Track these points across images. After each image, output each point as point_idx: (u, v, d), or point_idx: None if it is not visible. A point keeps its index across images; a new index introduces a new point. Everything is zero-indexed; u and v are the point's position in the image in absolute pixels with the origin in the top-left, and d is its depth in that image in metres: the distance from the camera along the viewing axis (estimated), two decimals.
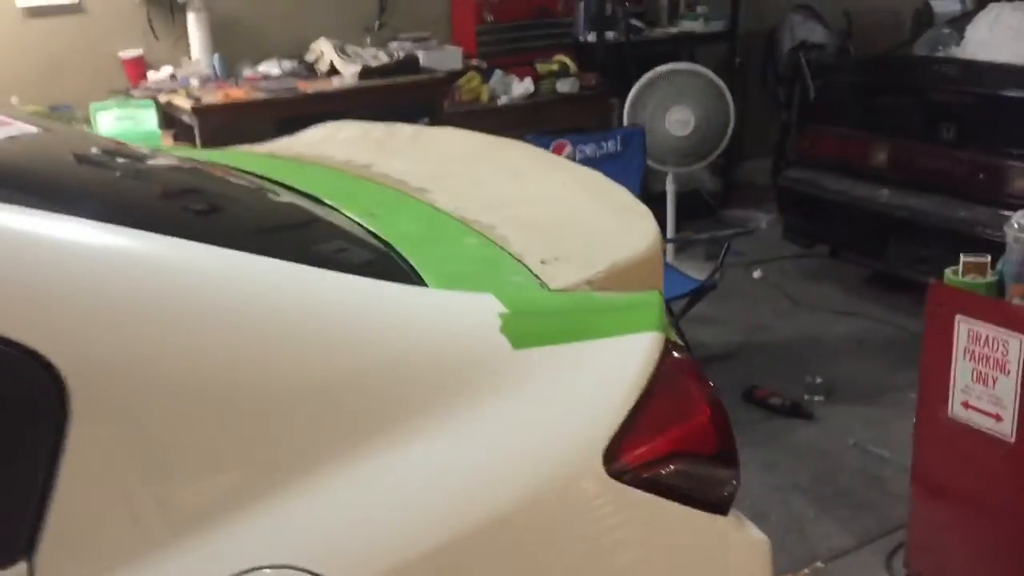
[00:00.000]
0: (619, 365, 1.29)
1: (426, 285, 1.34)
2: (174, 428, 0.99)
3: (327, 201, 1.70)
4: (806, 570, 2.88)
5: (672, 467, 1.29)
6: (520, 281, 1.40)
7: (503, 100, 5.02)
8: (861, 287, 4.87)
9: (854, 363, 4.16)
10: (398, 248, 1.47)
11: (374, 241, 1.50)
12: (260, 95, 4.36)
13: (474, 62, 5.15)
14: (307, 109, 4.21)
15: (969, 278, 2.37)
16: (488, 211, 1.65)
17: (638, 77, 4.71)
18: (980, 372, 2.36)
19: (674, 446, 1.30)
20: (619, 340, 1.33)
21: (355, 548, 1.05)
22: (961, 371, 2.40)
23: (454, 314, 1.25)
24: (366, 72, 4.53)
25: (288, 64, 4.70)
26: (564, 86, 5.10)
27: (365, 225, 1.59)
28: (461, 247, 1.52)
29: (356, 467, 1.08)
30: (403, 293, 1.26)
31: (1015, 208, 3.77)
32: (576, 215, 1.62)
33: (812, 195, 4.51)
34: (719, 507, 1.35)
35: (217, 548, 0.99)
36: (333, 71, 4.65)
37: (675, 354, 1.37)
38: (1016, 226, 2.23)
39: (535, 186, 1.77)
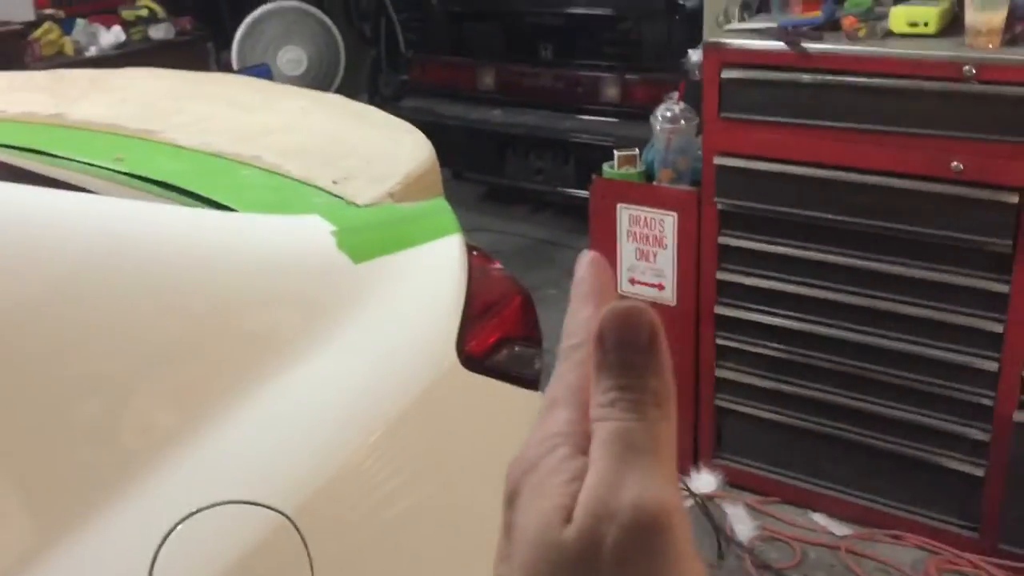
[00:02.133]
0: (443, 267, 1.37)
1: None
2: (94, 377, 0.91)
3: (56, 152, 1.54)
4: None
5: (502, 351, 1.40)
6: (325, 202, 1.40)
7: (91, 52, 4.61)
8: (482, 204, 5.24)
9: None
10: (180, 186, 1.39)
11: (152, 185, 1.40)
12: None
13: (49, 11, 4.66)
14: None
15: (623, 170, 2.72)
16: (241, 144, 1.60)
17: (233, 19, 4.60)
18: (642, 250, 2.73)
19: (501, 332, 1.41)
20: (434, 245, 1.40)
21: (281, 473, 1.03)
22: (626, 252, 2.76)
23: (295, 236, 1.23)
24: None
25: None
26: (158, 32, 4.81)
27: (120, 170, 1.47)
28: (242, 178, 1.47)
29: (259, 395, 1.06)
30: (242, 221, 1.22)
31: (614, 115, 4.32)
32: (339, 136, 1.63)
33: (430, 122, 4.71)
34: (534, 383, 1.50)
35: (157, 495, 0.93)
36: None
37: (475, 253, 1.48)
38: (660, 118, 2.58)
39: (275, 115, 1.73)
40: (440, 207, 1.49)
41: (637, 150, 2.73)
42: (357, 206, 1.39)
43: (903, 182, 2.30)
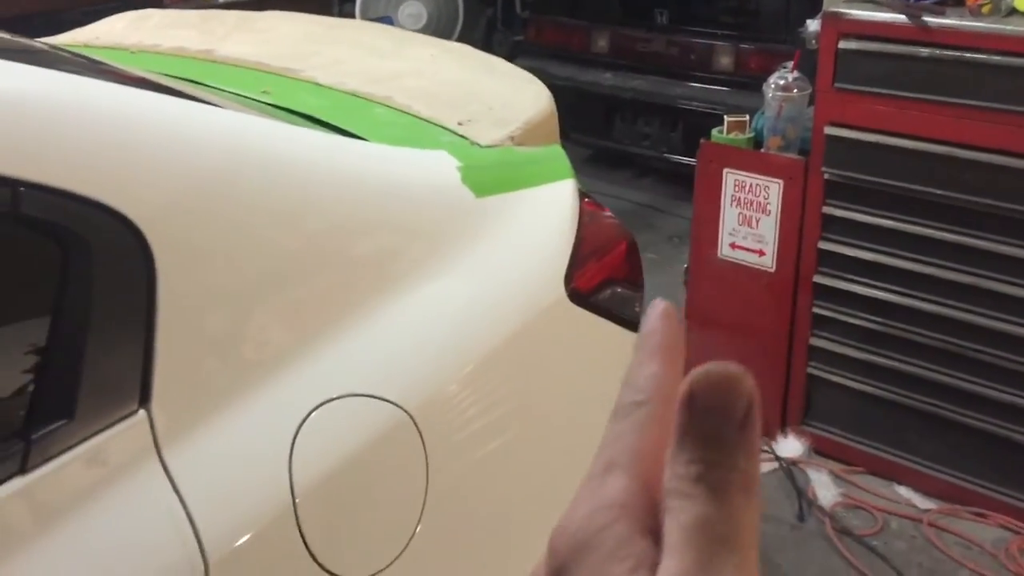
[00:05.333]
0: (556, 208, 1.47)
1: None
2: (250, 274, 1.04)
3: (208, 83, 1.68)
4: None
5: (606, 291, 1.50)
6: (451, 140, 1.51)
7: None
8: (587, 166, 5.31)
9: None
10: (322, 119, 1.51)
11: (296, 117, 1.53)
12: None
13: None
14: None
15: (732, 135, 2.76)
16: (374, 85, 1.72)
17: None
18: (745, 215, 2.78)
19: (606, 274, 1.51)
20: (549, 187, 1.49)
21: (402, 375, 1.15)
22: (729, 216, 2.81)
23: (423, 168, 1.35)
24: None
25: None
26: None
27: (268, 102, 1.60)
28: (376, 115, 1.59)
29: (389, 308, 1.18)
30: (377, 151, 1.34)
31: (725, 84, 4.33)
32: (465, 82, 1.73)
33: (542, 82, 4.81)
34: (633, 324, 1.59)
35: (300, 382, 1.06)
36: None
37: (586, 199, 1.57)
38: (772, 86, 2.62)
39: (406, 61, 1.85)
40: (556, 153, 1.59)
41: (748, 116, 2.76)
42: (480, 146, 1.50)
43: (1016, 161, 2.29)
